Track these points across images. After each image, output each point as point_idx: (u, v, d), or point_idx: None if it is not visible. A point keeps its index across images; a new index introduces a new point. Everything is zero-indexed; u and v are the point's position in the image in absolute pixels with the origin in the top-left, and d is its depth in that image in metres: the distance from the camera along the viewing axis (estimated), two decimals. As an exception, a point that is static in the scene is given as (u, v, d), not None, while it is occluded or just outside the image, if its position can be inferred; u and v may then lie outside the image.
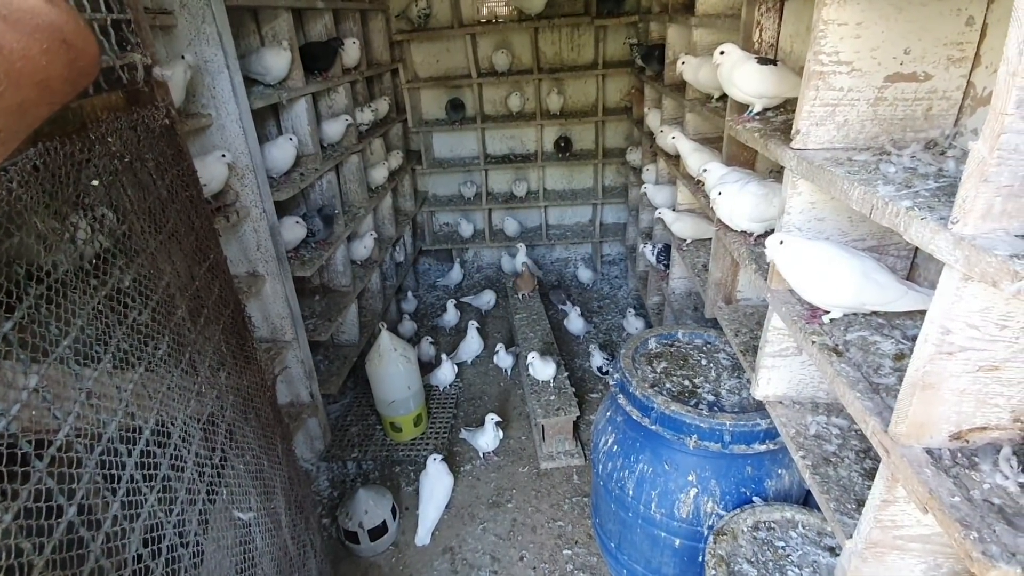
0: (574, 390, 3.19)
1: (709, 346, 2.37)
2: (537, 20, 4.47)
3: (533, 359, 3.15)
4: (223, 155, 2.27)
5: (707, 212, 2.54)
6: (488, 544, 2.65)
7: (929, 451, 1.00)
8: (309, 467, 3.10)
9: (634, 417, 2.01)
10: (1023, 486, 0.92)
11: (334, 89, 3.46)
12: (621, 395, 2.11)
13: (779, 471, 1.95)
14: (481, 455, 3.16)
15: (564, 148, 4.94)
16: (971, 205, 0.82)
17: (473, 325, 3.92)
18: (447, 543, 2.66)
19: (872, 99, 1.33)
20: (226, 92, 2.32)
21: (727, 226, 1.95)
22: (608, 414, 2.25)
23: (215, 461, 1.32)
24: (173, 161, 1.38)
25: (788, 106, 1.83)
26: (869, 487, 1.17)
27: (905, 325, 1.36)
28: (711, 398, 2.04)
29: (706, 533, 1.92)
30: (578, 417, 3.11)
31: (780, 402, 1.67)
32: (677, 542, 2.02)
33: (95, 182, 0.99)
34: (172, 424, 1.15)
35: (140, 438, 1.01)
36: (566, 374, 3.31)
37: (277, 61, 2.68)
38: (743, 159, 2.24)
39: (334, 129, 3.33)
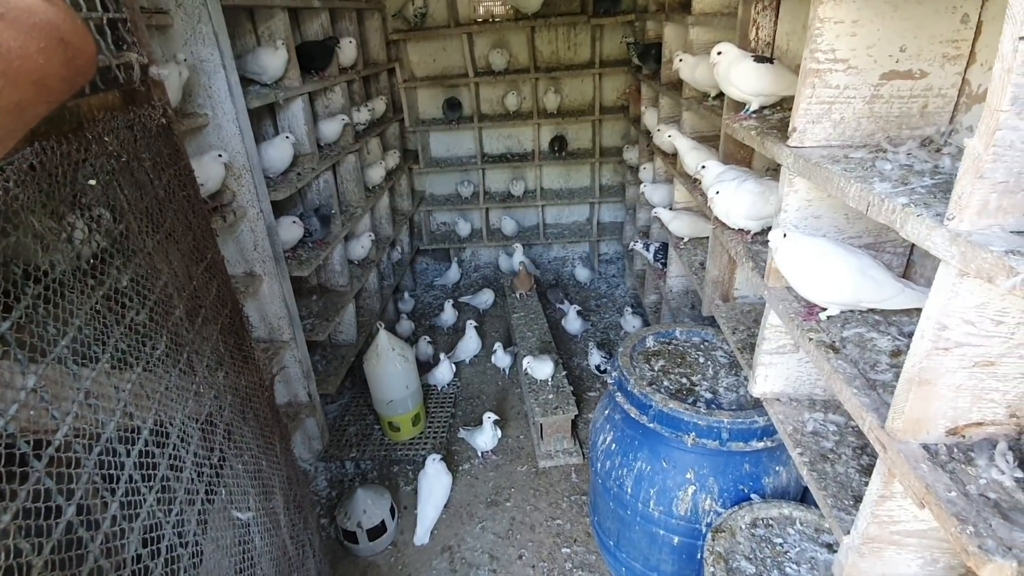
0: (572, 389, 3.19)
1: (707, 344, 2.37)
2: (534, 19, 4.47)
3: (529, 362, 3.15)
4: (219, 155, 2.27)
5: (704, 210, 2.55)
6: (487, 543, 2.65)
7: (926, 447, 1.01)
8: (307, 467, 3.09)
9: (632, 415, 2.02)
10: (1018, 481, 0.93)
11: (331, 88, 3.46)
12: (619, 393, 2.11)
13: (777, 468, 1.95)
14: (479, 454, 3.16)
15: (559, 148, 4.95)
16: (967, 201, 0.82)
17: (471, 324, 3.92)
18: (446, 542, 2.66)
19: (868, 96, 1.33)
20: (222, 92, 2.31)
21: (724, 224, 1.95)
22: (606, 412, 2.25)
23: (214, 461, 1.31)
24: (170, 161, 1.37)
25: (785, 104, 1.83)
26: (866, 483, 1.17)
27: (901, 322, 1.37)
28: (709, 396, 2.05)
29: (704, 530, 1.92)
30: (576, 416, 3.11)
31: (777, 399, 1.68)
32: (675, 539, 2.03)
33: (92, 181, 0.99)
34: (170, 424, 1.14)
35: (139, 438, 1.01)
36: (564, 373, 3.32)
37: (273, 60, 2.67)
38: (740, 157, 2.25)
39: (331, 129, 3.33)
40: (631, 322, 4.08)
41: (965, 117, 1.34)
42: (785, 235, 1.39)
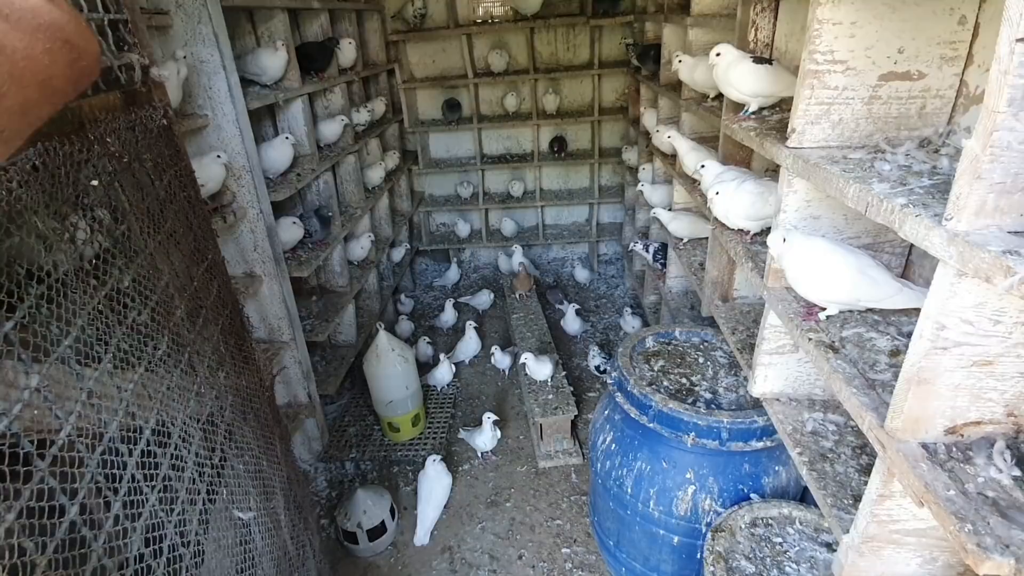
0: (572, 389, 3.19)
1: (706, 344, 2.38)
2: (533, 20, 4.47)
3: (527, 359, 3.15)
4: (219, 156, 2.27)
5: (703, 211, 2.55)
6: (487, 543, 2.65)
7: (924, 446, 1.01)
8: (307, 468, 3.09)
9: (632, 415, 2.02)
10: (1016, 479, 0.94)
11: (330, 89, 3.46)
12: (619, 393, 2.12)
13: (776, 468, 1.96)
14: (479, 455, 3.16)
15: (558, 149, 4.95)
16: (965, 202, 0.83)
17: (471, 325, 3.92)
18: (446, 543, 2.67)
19: (867, 98, 1.34)
20: (222, 93, 2.31)
21: (723, 224, 1.96)
22: (606, 412, 2.26)
23: (215, 461, 1.32)
24: (171, 161, 1.38)
25: (783, 105, 1.84)
26: (865, 482, 1.18)
27: (900, 322, 1.37)
28: (708, 396, 2.05)
29: (704, 530, 1.93)
30: (576, 416, 3.11)
31: (777, 399, 1.68)
32: (675, 539, 2.03)
33: (94, 182, 0.99)
34: (172, 424, 1.15)
35: (141, 438, 1.01)
36: (563, 373, 3.32)
37: (273, 61, 2.68)
38: (739, 158, 2.25)
39: (330, 129, 3.33)
40: (630, 322, 4.09)
41: (963, 118, 1.34)
42: (784, 240, 1.39)
